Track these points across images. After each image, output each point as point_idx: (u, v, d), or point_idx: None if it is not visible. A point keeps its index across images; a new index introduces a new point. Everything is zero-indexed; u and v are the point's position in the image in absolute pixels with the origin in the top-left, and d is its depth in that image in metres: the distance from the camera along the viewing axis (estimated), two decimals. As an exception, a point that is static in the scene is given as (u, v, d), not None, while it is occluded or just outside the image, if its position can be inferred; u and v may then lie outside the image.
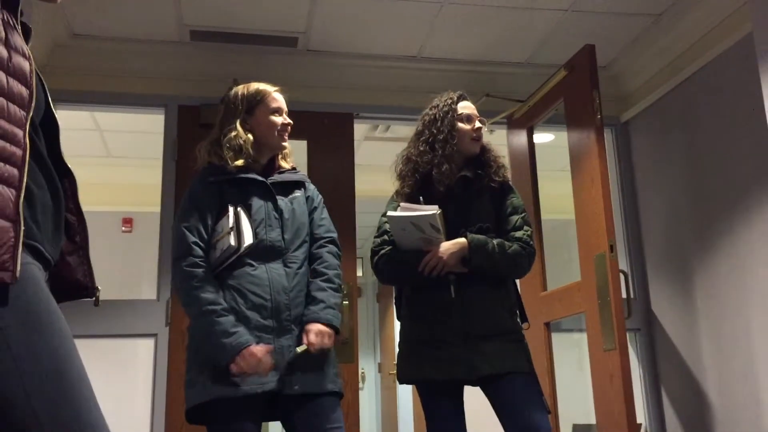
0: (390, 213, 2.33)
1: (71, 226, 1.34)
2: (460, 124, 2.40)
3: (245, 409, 1.99)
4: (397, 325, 7.01)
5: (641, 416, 3.85)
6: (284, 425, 2.13)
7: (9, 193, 1.07)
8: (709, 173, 3.61)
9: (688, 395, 3.72)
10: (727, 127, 3.49)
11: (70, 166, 1.34)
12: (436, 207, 2.26)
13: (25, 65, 1.17)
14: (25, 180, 1.11)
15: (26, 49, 1.19)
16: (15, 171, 1.09)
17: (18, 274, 1.05)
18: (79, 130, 4.80)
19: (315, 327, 2.08)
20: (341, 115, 4.03)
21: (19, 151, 1.11)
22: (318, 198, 2.35)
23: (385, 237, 2.38)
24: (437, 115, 2.42)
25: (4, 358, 1.03)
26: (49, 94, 1.32)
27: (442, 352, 2.23)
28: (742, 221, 3.38)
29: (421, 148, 2.40)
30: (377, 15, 3.70)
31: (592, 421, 3.57)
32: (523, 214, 2.40)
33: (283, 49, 3.97)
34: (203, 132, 3.04)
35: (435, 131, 2.39)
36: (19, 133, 1.12)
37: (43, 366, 1.06)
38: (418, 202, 2.33)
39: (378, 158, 5.41)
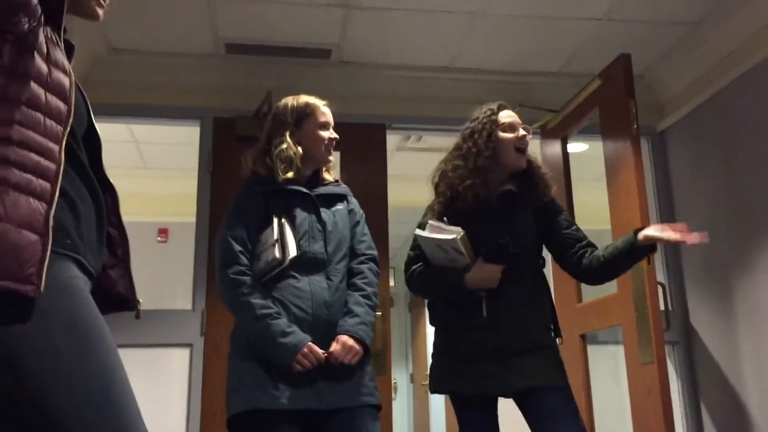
0: (418, 232, 2.32)
1: (113, 239, 1.36)
2: (502, 134, 2.31)
3: (285, 419, 2.00)
4: (429, 334, 6.95)
5: (679, 431, 3.77)
6: None
7: (40, 207, 1.09)
8: (748, 184, 3.54)
9: (728, 410, 3.64)
10: (766, 138, 3.42)
11: (111, 180, 1.37)
12: (459, 230, 2.21)
13: (65, 81, 1.19)
14: (57, 194, 1.12)
15: (67, 64, 1.22)
16: (48, 185, 1.11)
17: (42, 288, 1.06)
18: (116, 142, 4.88)
19: (345, 340, 2.08)
20: (374, 126, 4.03)
21: (53, 166, 1.12)
22: (360, 213, 2.35)
23: (419, 251, 2.38)
24: (476, 127, 2.34)
25: (55, 372, 1.04)
26: (91, 109, 1.34)
27: (473, 368, 2.21)
28: (783, 232, 3.30)
29: (455, 162, 2.34)
30: (410, 26, 3.71)
31: (629, 435, 3.50)
32: (575, 224, 2.41)
33: (316, 61, 4.00)
34: (238, 143, 3.09)
35: (471, 144, 2.32)
36: (55, 148, 1.14)
37: (91, 380, 1.07)
38: (442, 221, 2.29)
39: (410, 168, 5.41)
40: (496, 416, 2.30)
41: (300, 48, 3.89)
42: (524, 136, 2.35)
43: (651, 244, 2.19)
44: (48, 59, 1.17)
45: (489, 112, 2.37)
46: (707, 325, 3.84)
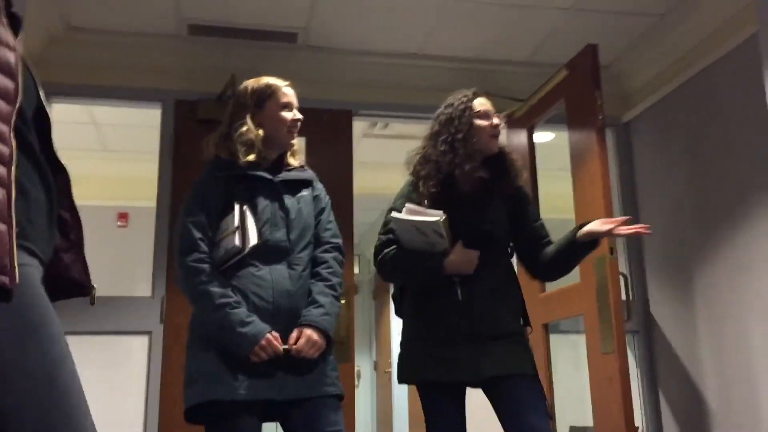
0: (395, 215, 2.28)
1: (66, 223, 1.31)
2: (477, 121, 2.33)
3: (244, 410, 1.96)
4: (394, 322, 6.95)
5: (639, 419, 3.83)
6: (283, 426, 2.09)
7: (1, 194, 1.04)
8: (711, 176, 3.58)
9: (687, 399, 3.70)
10: (730, 129, 3.46)
11: (63, 161, 1.31)
12: (441, 213, 2.21)
13: (10, 56, 1.13)
14: (13, 179, 1.06)
15: (11, 39, 1.15)
16: (4, 170, 1.05)
17: (17, 278, 1.02)
18: (75, 123, 4.76)
19: (308, 334, 2.03)
20: (340, 112, 3.99)
21: (7, 150, 1.06)
22: (326, 199, 2.30)
23: (391, 236, 2.35)
24: (454, 114, 2.35)
25: None
26: (40, 88, 1.28)
27: (447, 353, 2.20)
28: (743, 224, 3.35)
29: (442, 148, 2.32)
30: (378, 11, 3.67)
31: (590, 423, 3.54)
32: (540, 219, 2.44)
33: (282, 45, 3.94)
34: (200, 127, 3.02)
35: (453, 130, 2.32)
36: (6, 130, 1.08)
37: (34, 372, 1.03)
38: (425, 206, 2.28)
39: (377, 155, 5.39)
40: (464, 405, 2.30)
41: (266, 31, 3.82)
42: (498, 124, 2.37)
43: (593, 240, 2.25)
44: None
45: (465, 99, 2.37)
46: (667, 316, 3.90)
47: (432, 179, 2.32)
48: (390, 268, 2.35)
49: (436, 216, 2.20)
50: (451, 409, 2.27)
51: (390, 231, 2.35)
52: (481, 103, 2.38)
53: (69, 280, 1.31)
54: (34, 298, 1.07)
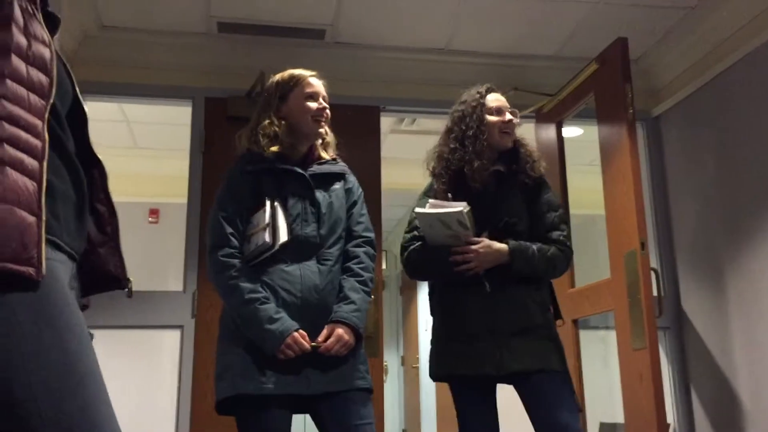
0: (418, 210, 2.30)
1: (101, 217, 1.32)
2: (489, 117, 2.35)
3: (272, 403, 1.98)
4: (421, 317, 6.98)
5: (670, 416, 3.79)
6: (314, 419, 2.11)
7: (32, 186, 1.06)
8: (743, 170, 3.53)
9: (719, 396, 3.65)
10: (762, 123, 3.40)
11: (99, 156, 1.33)
12: (465, 204, 2.22)
13: (46, 52, 1.15)
14: (45, 172, 1.09)
15: (47, 36, 1.17)
16: (36, 164, 1.08)
17: (44, 270, 1.04)
18: (107, 121, 4.83)
19: (339, 333, 2.03)
20: (368, 108, 4.00)
21: (39, 143, 1.09)
22: (358, 192, 2.28)
23: (415, 233, 2.36)
24: (466, 111, 2.38)
25: (13, 352, 1.01)
26: (76, 84, 1.30)
27: (470, 347, 2.20)
28: (777, 219, 3.30)
29: (452, 146, 2.36)
30: (405, 7, 3.67)
31: (620, 419, 3.52)
32: (559, 212, 2.36)
33: (310, 42, 3.95)
34: (230, 124, 3.05)
35: (464, 127, 2.35)
36: (39, 124, 1.10)
37: (52, 362, 1.04)
38: (447, 200, 2.29)
39: (404, 151, 5.37)
40: (494, 400, 2.30)
41: (293, 28, 3.84)
42: (510, 120, 2.37)
43: None
44: (26, 31, 1.13)
45: (477, 96, 2.39)
46: (699, 311, 3.85)
47: (443, 177, 2.34)
48: (414, 265, 2.36)
49: (459, 207, 2.21)
50: (482, 405, 2.27)
51: (414, 228, 2.36)
52: (494, 99, 2.39)
53: (105, 274, 1.32)
54: (52, 290, 1.08)
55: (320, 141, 2.27)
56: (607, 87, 3.53)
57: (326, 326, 2.05)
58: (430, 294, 2.47)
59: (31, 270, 1.03)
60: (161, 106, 4.26)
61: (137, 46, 3.85)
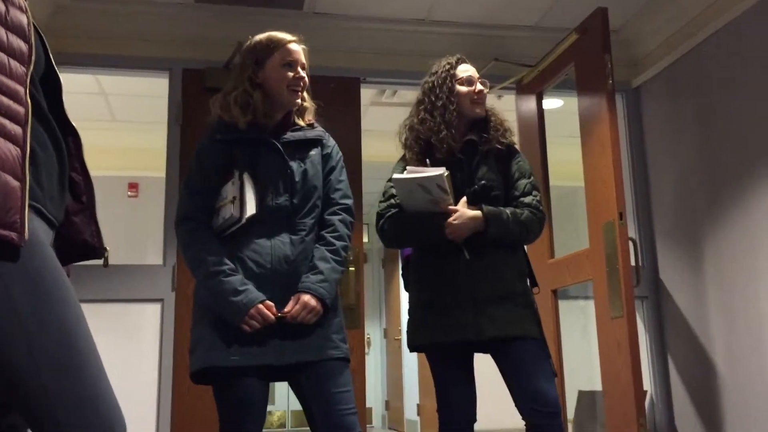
0: (396, 176, 2.29)
1: (77, 185, 1.31)
2: (459, 87, 2.36)
3: (243, 374, 1.98)
4: (403, 290, 7.03)
5: (647, 384, 3.86)
6: (292, 388, 2.11)
7: (16, 151, 1.05)
8: (721, 140, 3.56)
9: (695, 364, 3.72)
10: (741, 94, 3.43)
11: (74, 125, 1.31)
12: (444, 168, 2.23)
13: (23, 19, 1.13)
14: (28, 139, 1.08)
15: (23, 2, 1.15)
16: (20, 129, 1.07)
17: (27, 235, 1.03)
18: (83, 93, 4.76)
19: (304, 300, 2.00)
20: (348, 80, 3.97)
21: (22, 109, 1.08)
22: (337, 156, 2.21)
23: (392, 201, 2.36)
24: (436, 82, 2.39)
25: (13, 327, 1.01)
26: (50, 51, 1.28)
27: (449, 315, 2.22)
28: (753, 189, 3.34)
29: (422, 116, 2.37)
30: (385, -24, 3.63)
31: (598, 387, 3.57)
32: (531, 179, 2.37)
33: (289, 12, 3.91)
34: (208, 96, 3.00)
35: (434, 98, 2.36)
36: (21, 90, 1.09)
37: (52, 335, 1.04)
38: (425, 165, 2.29)
39: (385, 124, 5.34)
40: (472, 369, 2.32)
41: (272, -2, 3.79)
42: (481, 90, 2.38)
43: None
44: None
45: (448, 66, 2.40)
46: (676, 281, 3.90)
47: (415, 147, 2.36)
48: (391, 232, 2.35)
49: (439, 171, 2.22)
50: (460, 373, 2.29)
51: (391, 197, 2.36)
52: (464, 70, 2.41)
53: (81, 243, 1.31)
54: (45, 261, 1.08)
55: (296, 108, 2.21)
56: (587, 58, 3.53)
57: (293, 297, 2.03)
58: (404, 268, 2.49)
59: (13, 235, 1.02)
60: (138, 78, 4.19)
61: (112, 17, 3.78)
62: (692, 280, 3.75)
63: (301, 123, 2.20)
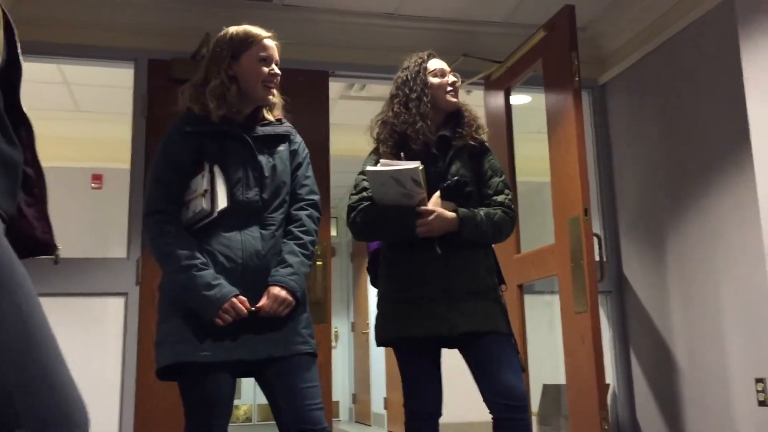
0: (369, 168, 2.28)
1: (29, 178, 1.27)
2: (432, 80, 2.38)
3: (213, 369, 1.96)
4: (371, 285, 6.97)
5: (610, 377, 3.92)
6: (259, 384, 2.10)
7: None
8: (685, 137, 3.62)
9: (657, 357, 3.79)
10: (705, 91, 3.49)
11: (28, 114, 1.27)
12: (418, 162, 2.24)
13: None
14: None
15: None
16: None
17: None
18: (46, 83, 4.67)
19: (276, 292, 2.01)
20: (316, 73, 3.95)
21: None
22: (304, 153, 2.22)
23: (364, 194, 2.35)
24: (408, 76, 2.40)
25: None
26: (17, 36, 1.24)
27: (422, 309, 2.22)
28: (715, 186, 3.40)
29: (396, 110, 2.37)
30: (354, -30, 3.62)
31: (562, 381, 3.62)
32: (502, 177, 2.40)
33: (257, 3, 3.87)
34: (174, 87, 2.97)
35: (408, 91, 2.37)
36: None
37: (9, 325, 1.01)
38: (399, 159, 2.29)
39: (353, 117, 5.34)
40: (439, 364, 2.33)
41: (240, -11, 3.75)
42: (454, 81, 2.41)
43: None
44: None
45: (419, 60, 2.42)
46: (639, 275, 3.97)
47: (389, 141, 2.35)
48: (363, 225, 2.33)
49: (413, 164, 2.22)
50: (428, 366, 2.30)
51: (363, 189, 2.35)
52: (435, 63, 2.43)
53: (32, 239, 1.27)
54: (0, 252, 1.05)
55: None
56: (554, 54, 3.56)
57: (265, 291, 2.03)
58: (371, 262, 2.48)
59: None
60: (103, 68, 4.12)
61: (77, 5, 3.71)
62: (655, 275, 3.82)
63: (270, 118, 2.19)
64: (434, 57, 2.46)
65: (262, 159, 2.10)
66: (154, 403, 3.34)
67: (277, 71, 2.16)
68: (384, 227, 2.32)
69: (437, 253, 2.24)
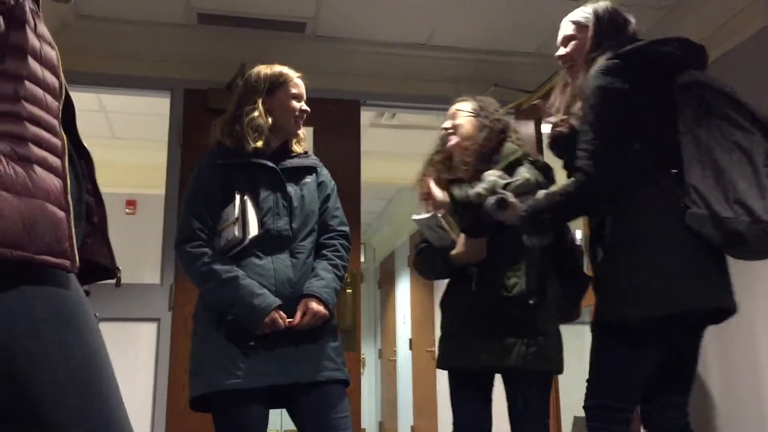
0: (414, 217, 2.44)
1: (89, 207, 1.33)
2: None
3: (249, 398, 1.98)
4: (398, 311, 7.00)
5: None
6: (290, 413, 2.12)
7: (59, 183, 1.08)
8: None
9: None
10: (738, 122, 3.45)
11: (87, 147, 1.33)
12: (433, 212, 2.36)
13: (53, 54, 1.16)
14: (67, 169, 1.11)
15: (50, 37, 1.18)
16: (59, 161, 1.10)
17: (77, 261, 1.07)
18: (83, 111, 4.76)
19: (311, 305, 2.05)
20: (348, 102, 4.00)
21: (59, 142, 1.12)
22: (331, 184, 2.30)
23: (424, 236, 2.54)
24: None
25: (37, 351, 1.01)
26: (62, 77, 1.30)
27: (467, 343, 2.27)
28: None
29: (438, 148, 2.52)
30: (386, 1, 3.67)
31: (593, 414, 3.56)
32: None
33: (291, 35, 3.94)
34: (209, 116, 3.03)
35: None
36: (56, 123, 1.12)
37: (75, 361, 1.05)
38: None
39: (384, 145, 5.39)
40: (491, 394, 2.37)
41: (274, 20, 3.82)
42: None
43: None
44: (37, 33, 1.13)
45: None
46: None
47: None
48: (415, 265, 2.63)
49: (430, 213, 2.34)
50: (476, 397, 2.34)
51: None
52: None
53: (94, 264, 1.32)
54: (72, 291, 1.10)
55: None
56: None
57: (300, 305, 2.07)
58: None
59: (66, 263, 1.05)
60: (139, 97, 4.22)
61: (115, 36, 3.81)
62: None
63: (298, 150, 2.28)
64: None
65: (291, 189, 2.16)
66: (185, 429, 3.35)
67: (307, 108, 2.26)
68: (430, 268, 2.53)
69: (470, 288, 2.29)
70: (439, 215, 2.31)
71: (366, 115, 4.53)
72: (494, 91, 3.94)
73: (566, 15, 2.31)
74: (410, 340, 7.08)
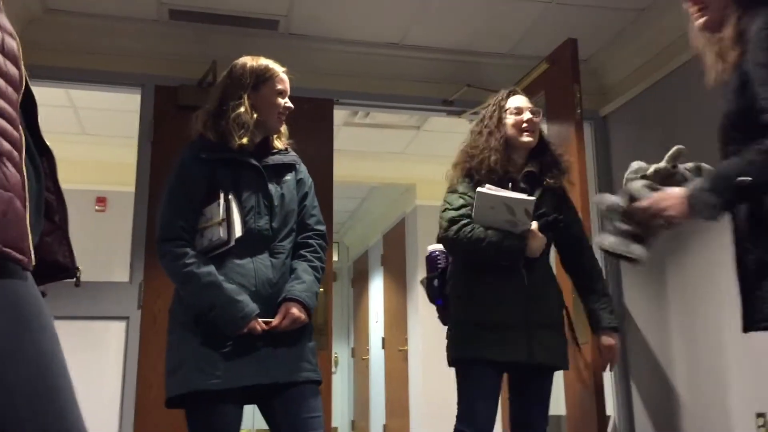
0: (484, 189, 2.35)
1: (50, 205, 1.30)
2: (508, 116, 2.51)
3: (225, 397, 1.97)
4: (372, 310, 6.95)
5: (610, 409, 3.89)
6: (262, 411, 2.11)
7: (21, 178, 1.07)
8: (686, 170, 3.63)
9: (658, 389, 3.77)
10: (706, 125, 3.49)
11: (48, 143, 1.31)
12: (533, 197, 2.36)
13: (14, 44, 1.14)
14: (24, 163, 1.09)
15: (11, 28, 1.16)
16: (18, 156, 1.08)
17: (33, 259, 1.06)
18: (52, 106, 4.71)
19: (291, 310, 2.05)
20: (321, 101, 3.99)
21: (19, 136, 1.10)
22: (309, 182, 2.28)
23: (463, 211, 2.43)
24: (486, 113, 2.57)
25: None
26: (24, 69, 1.28)
27: (500, 334, 2.32)
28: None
29: (474, 143, 2.53)
30: (360, 1, 3.67)
31: (562, 412, 3.60)
32: (581, 222, 2.68)
33: (263, 32, 3.92)
34: (180, 113, 3.02)
35: (484, 126, 2.53)
36: (16, 116, 1.10)
37: (28, 364, 1.03)
38: (506, 188, 2.41)
39: (357, 144, 5.39)
40: (500, 390, 2.43)
41: (247, 18, 3.80)
42: (530, 118, 2.50)
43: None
44: None
45: (499, 98, 2.57)
46: (640, 308, 3.96)
47: (464, 169, 2.51)
48: (466, 243, 2.38)
49: (530, 197, 2.35)
50: (492, 390, 2.38)
51: (462, 206, 2.43)
52: (514, 101, 2.56)
53: (53, 263, 1.30)
54: (28, 289, 1.08)
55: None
56: (557, 86, 3.60)
57: (281, 308, 2.07)
58: (438, 282, 2.60)
59: (26, 259, 1.04)
60: (110, 93, 4.17)
61: (85, 31, 3.76)
62: (655, 307, 3.81)
63: (279, 146, 2.26)
64: (516, 94, 2.59)
65: (272, 188, 2.15)
66: (153, 428, 3.32)
67: (291, 105, 2.24)
68: (491, 250, 2.36)
69: (522, 281, 2.37)
70: (534, 200, 2.35)
71: (339, 114, 4.53)
72: (467, 91, 3.97)
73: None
74: (383, 338, 7.09)
